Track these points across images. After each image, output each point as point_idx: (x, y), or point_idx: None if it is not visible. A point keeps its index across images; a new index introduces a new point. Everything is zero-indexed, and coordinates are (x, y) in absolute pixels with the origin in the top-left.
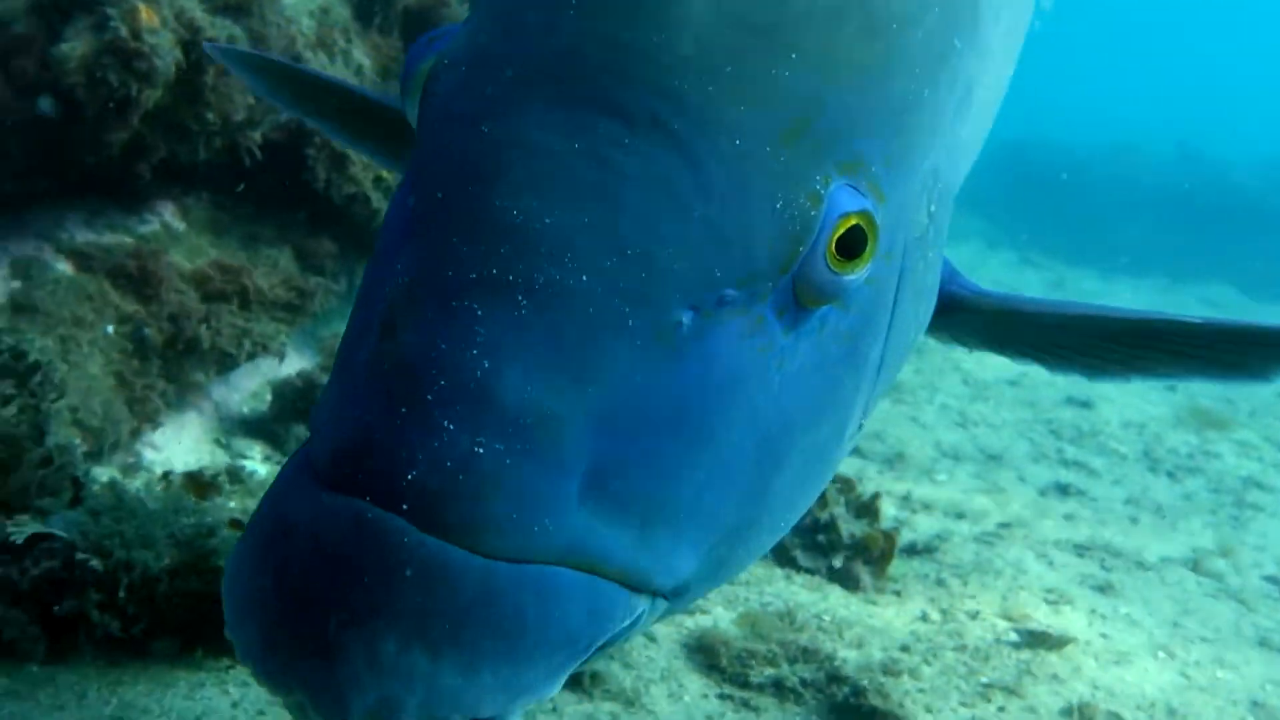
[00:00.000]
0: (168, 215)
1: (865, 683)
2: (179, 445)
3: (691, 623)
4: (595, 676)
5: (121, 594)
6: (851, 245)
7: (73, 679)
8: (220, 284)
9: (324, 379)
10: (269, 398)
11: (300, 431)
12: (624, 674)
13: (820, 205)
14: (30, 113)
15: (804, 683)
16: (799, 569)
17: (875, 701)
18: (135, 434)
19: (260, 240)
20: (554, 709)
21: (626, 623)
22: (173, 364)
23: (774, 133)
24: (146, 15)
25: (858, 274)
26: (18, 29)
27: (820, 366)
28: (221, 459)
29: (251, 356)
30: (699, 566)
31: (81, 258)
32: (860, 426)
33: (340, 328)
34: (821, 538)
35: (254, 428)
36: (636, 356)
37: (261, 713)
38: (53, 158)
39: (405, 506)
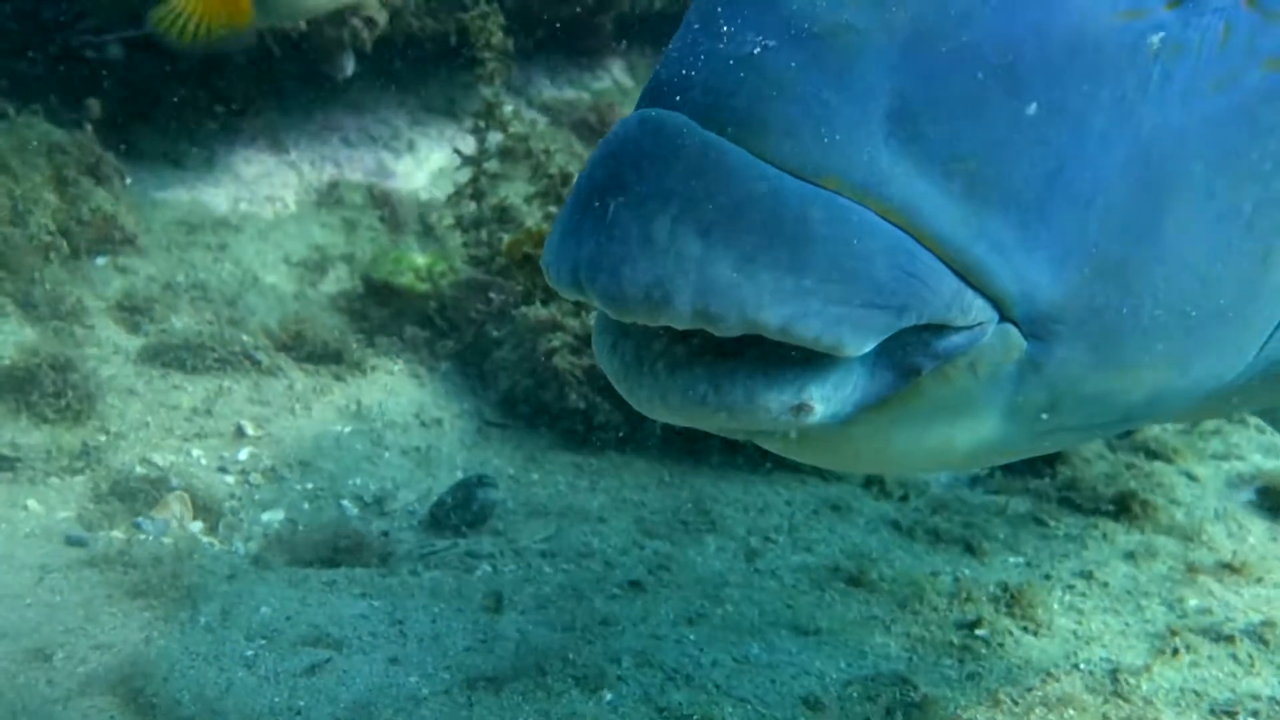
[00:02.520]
0: (616, 71)
1: None
2: None
3: (1228, 466)
4: (1145, 505)
5: None
6: None
7: (645, 465)
8: None
9: None
10: None
11: None
12: (1173, 509)
13: None
14: None
15: None
16: None
17: None
18: None
19: None
20: (1104, 536)
21: (959, 320)
22: None
23: None
24: None
25: None
26: None
27: (1228, 84)
28: None
29: None
30: (1062, 294)
31: (550, 111)
32: None
33: None
34: None
35: None
36: None
37: (816, 511)
38: (532, 9)
39: (685, 105)
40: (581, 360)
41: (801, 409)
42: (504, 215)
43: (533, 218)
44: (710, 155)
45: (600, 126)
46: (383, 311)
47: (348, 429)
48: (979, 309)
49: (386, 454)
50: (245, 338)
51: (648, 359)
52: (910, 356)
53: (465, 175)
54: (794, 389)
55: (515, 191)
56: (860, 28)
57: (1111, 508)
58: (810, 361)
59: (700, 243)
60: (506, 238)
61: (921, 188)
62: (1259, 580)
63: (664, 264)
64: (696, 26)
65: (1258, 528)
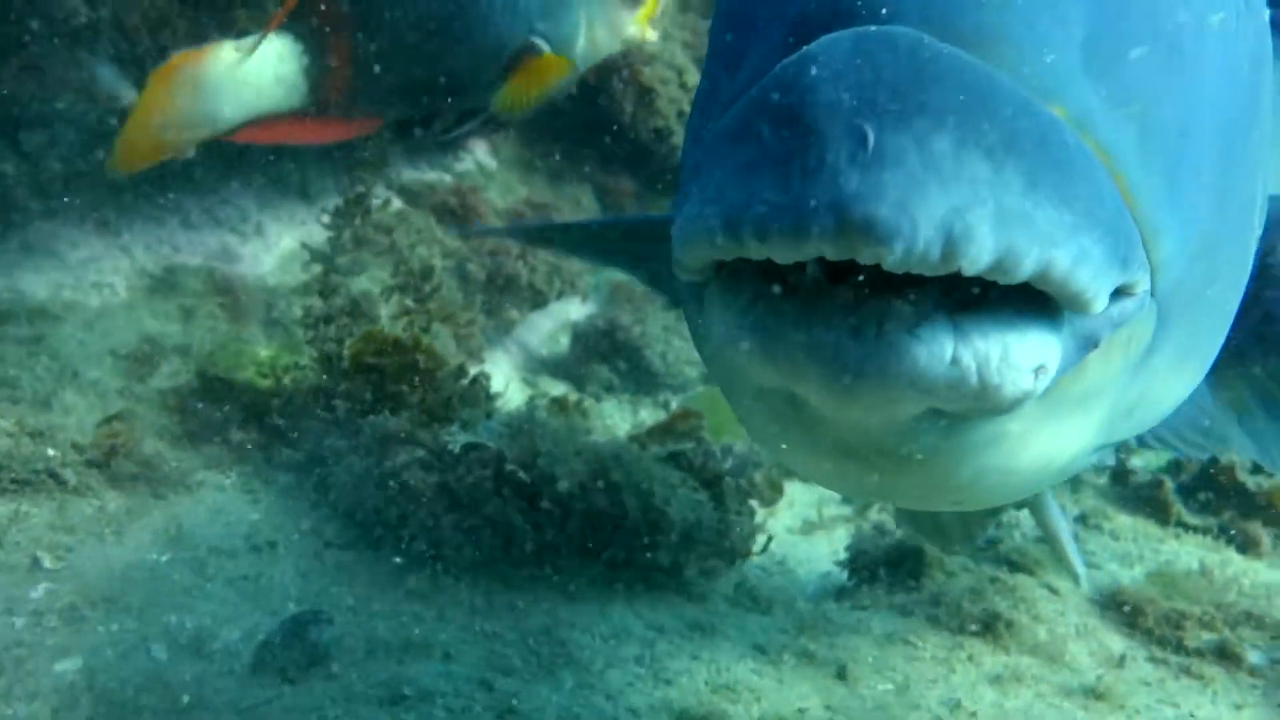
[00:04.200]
0: (480, 153)
1: None
2: (495, 380)
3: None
4: (1011, 625)
5: (544, 504)
6: None
7: (496, 589)
8: None
9: (625, 319)
10: (565, 340)
11: (602, 372)
12: (1036, 627)
13: None
14: None
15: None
16: (1186, 527)
17: None
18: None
19: (564, 178)
20: (970, 658)
21: (1142, 282)
22: (493, 299)
23: None
24: None
25: None
26: None
27: (1246, 66)
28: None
29: (560, 295)
30: (1185, 265)
31: (408, 193)
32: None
33: None
34: (1204, 495)
35: (555, 368)
36: None
37: (678, 636)
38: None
39: (901, 19)
40: (431, 477)
41: (1041, 371)
42: (355, 310)
43: (387, 311)
44: (969, 70)
45: (461, 210)
46: (218, 411)
47: (165, 557)
48: (1143, 269)
49: (209, 585)
50: (51, 452)
51: (867, 324)
52: (1091, 323)
53: (315, 270)
54: (1039, 345)
55: (372, 278)
56: None
57: (976, 626)
58: (1025, 320)
59: (988, 165)
60: (349, 342)
61: (1115, 128)
62: (1121, 708)
63: (956, 190)
64: None
65: (1117, 645)
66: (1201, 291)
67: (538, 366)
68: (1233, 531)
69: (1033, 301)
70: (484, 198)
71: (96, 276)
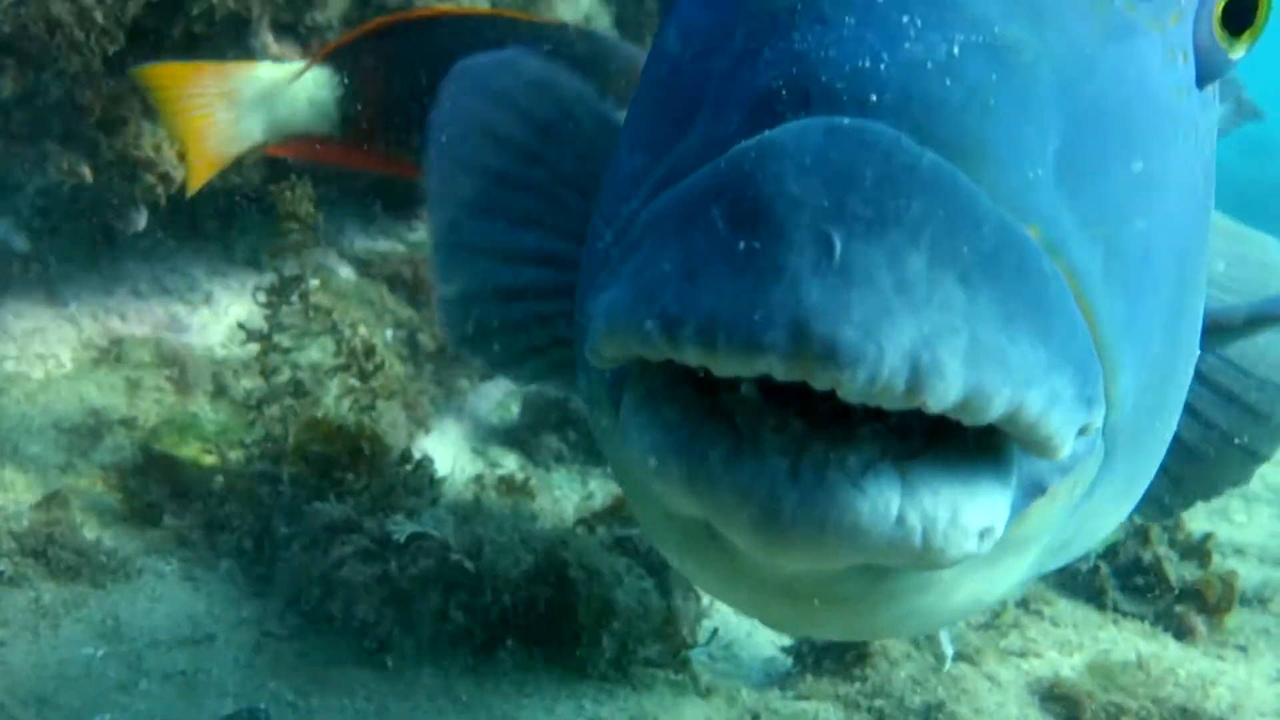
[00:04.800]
0: None
1: None
2: (442, 451)
3: (1027, 665)
4: (953, 717)
5: (487, 597)
6: (1242, 12)
7: (439, 683)
8: None
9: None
10: (516, 408)
11: (552, 441)
12: (977, 719)
13: None
14: None
15: None
16: (1123, 613)
17: None
18: (410, 439)
19: None
20: None
21: (1097, 420)
22: (442, 369)
23: None
24: None
25: (1236, 55)
26: None
27: (1201, 180)
28: (481, 466)
29: None
30: (1130, 394)
31: (362, 264)
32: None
33: None
34: (1140, 579)
35: (506, 437)
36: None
37: None
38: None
39: (878, 113)
40: (373, 569)
41: (987, 533)
42: (299, 390)
43: (330, 394)
44: (948, 182)
45: (414, 280)
46: (161, 489)
47: (101, 652)
48: (1099, 408)
49: (144, 682)
50: None
51: (806, 468)
52: (1042, 470)
53: (254, 349)
54: (989, 504)
55: (323, 349)
56: (1030, 45)
57: (918, 719)
58: (975, 471)
59: (962, 292)
60: (293, 430)
61: (1084, 250)
62: None
63: (928, 318)
64: (849, 19)
65: None
66: (1149, 424)
67: (487, 435)
68: (1167, 617)
69: (980, 441)
70: None
71: (41, 348)
